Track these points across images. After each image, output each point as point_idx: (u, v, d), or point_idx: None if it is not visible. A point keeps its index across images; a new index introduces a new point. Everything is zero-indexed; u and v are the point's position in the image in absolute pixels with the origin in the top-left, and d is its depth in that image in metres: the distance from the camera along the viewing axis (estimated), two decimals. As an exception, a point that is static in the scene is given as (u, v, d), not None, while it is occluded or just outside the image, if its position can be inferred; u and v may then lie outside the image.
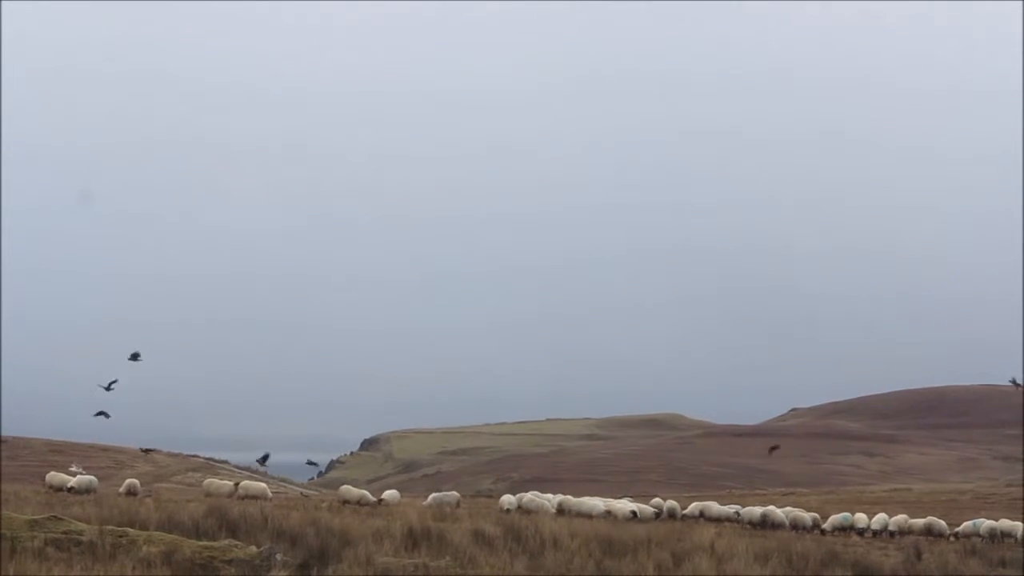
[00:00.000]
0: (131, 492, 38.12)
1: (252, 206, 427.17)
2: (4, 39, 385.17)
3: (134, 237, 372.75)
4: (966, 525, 36.88)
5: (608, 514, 35.06)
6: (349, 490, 40.99)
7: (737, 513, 38.03)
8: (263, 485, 41.35)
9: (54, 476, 39.93)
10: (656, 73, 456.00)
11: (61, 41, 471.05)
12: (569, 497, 38.60)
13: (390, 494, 40.22)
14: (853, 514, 38.44)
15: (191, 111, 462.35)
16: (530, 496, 38.76)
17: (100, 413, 35.54)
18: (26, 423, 75.83)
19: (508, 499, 38.16)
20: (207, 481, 41.55)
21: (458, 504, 38.11)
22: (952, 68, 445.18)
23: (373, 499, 38.98)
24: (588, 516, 34.04)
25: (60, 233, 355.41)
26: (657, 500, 42.49)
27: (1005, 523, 36.63)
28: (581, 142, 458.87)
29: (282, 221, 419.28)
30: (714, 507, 39.47)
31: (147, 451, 47.08)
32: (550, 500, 38.41)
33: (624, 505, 37.87)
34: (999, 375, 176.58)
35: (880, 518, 37.66)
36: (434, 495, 40.09)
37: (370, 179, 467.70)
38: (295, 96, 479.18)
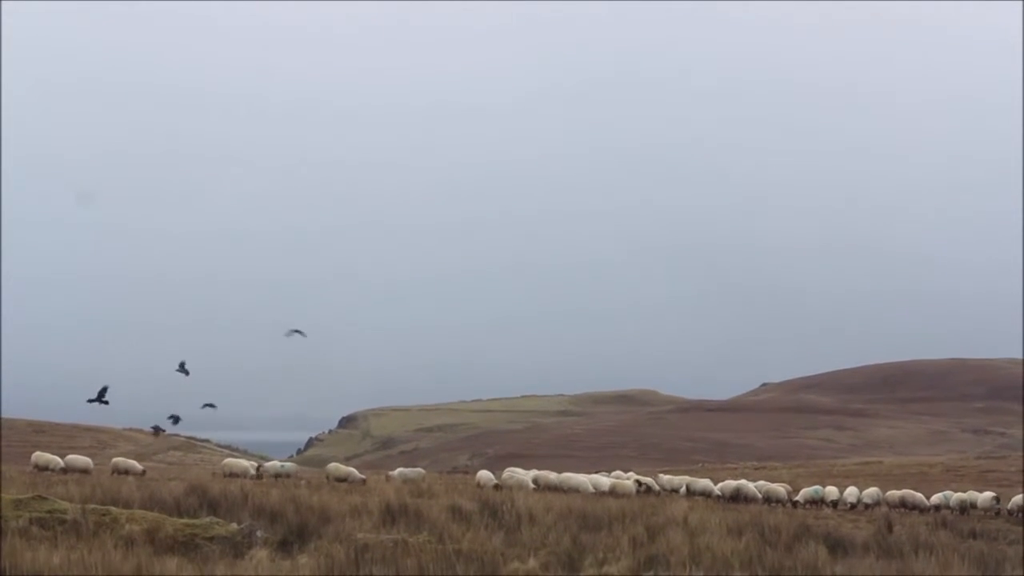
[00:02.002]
0: (121, 471, 38.77)
1: (239, 210, 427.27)
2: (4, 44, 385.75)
3: (122, 240, 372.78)
4: (936, 497, 37.48)
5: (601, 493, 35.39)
6: (338, 467, 41.47)
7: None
8: (246, 463, 41.85)
9: (40, 456, 40.34)
10: (653, 78, 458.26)
11: (55, 48, 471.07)
12: (548, 473, 38.98)
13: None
14: (824, 487, 38.97)
15: (187, 118, 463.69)
16: (508, 472, 39.04)
17: (208, 405, 36.30)
18: (8, 405, 75.94)
19: (485, 475, 38.42)
20: (226, 461, 42.85)
21: (423, 480, 38.54)
22: (949, 75, 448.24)
23: (360, 476, 39.59)
24: (572, 492, 34.38)
25: (46, 236, 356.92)
26: (631, 475, 42.89)
27: (974, 495, 37.29)
28: (548, 147, 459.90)
29: (270, 224, 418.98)
30: (700, 482, 39.77)
31: (157, 431, 47.61)
32: (522, 473, 38.83)
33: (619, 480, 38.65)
34: (964, 350, 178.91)
35: (851, 491, 38.19)
36: (399, 470, 41.08)
37: (360, 184, 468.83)
38: (291, 103, 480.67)
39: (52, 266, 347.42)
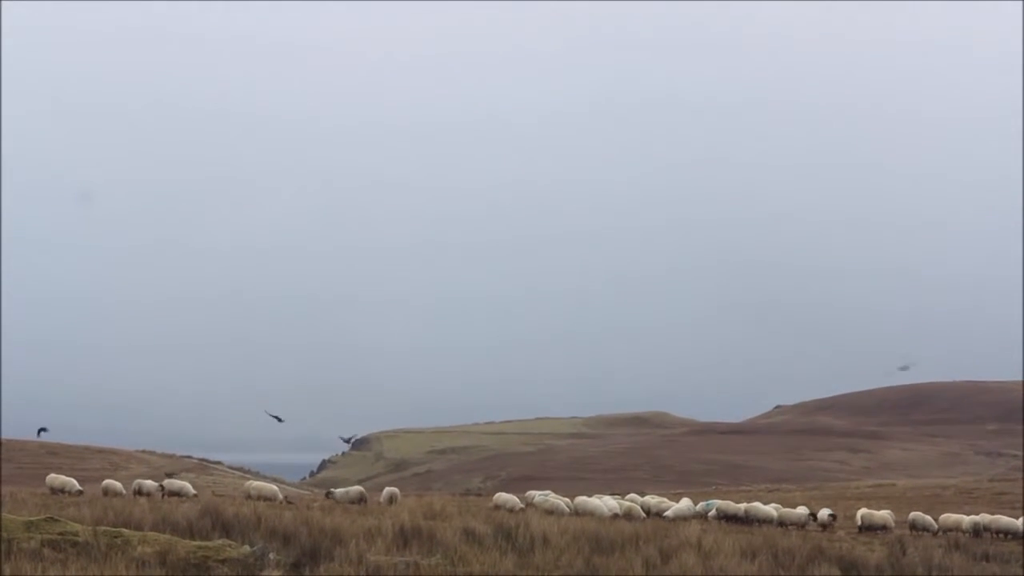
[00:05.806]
0: (140, 492, 38.75)
1: (252, 230, 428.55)
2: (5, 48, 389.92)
3: (133, 261, 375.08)
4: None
5: (616, 516, 35.15)
6: (346, 492, 41.45)
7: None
8: (274, 487, 41.98)
9: (54, 478, 40.41)
10: (671, 98, 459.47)
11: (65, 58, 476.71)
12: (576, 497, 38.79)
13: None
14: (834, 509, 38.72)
15: (213, 135, 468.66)
16: (542, 496, 38.43)
17: (275, 417, 36.62)
18: (20, 427, 76.37)
19: (504, 497, 37.77)
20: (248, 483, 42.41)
21: (391, 499, 39.05)
22: (976, 93, 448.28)
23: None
24: (586, 515, 34.14)
25: (54, 256, 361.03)
26: (638, 496, 42.75)
27: (987, 518, 37.05)
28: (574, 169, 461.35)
29: (282, 244, 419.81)
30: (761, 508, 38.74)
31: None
32: (539, 496, 38.59)
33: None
34: (978, 372, 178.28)
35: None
36: (387, 490, 41.67)
37: (375, 204, 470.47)
38: (312, 121, 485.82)
39: (64, 287, 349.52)
